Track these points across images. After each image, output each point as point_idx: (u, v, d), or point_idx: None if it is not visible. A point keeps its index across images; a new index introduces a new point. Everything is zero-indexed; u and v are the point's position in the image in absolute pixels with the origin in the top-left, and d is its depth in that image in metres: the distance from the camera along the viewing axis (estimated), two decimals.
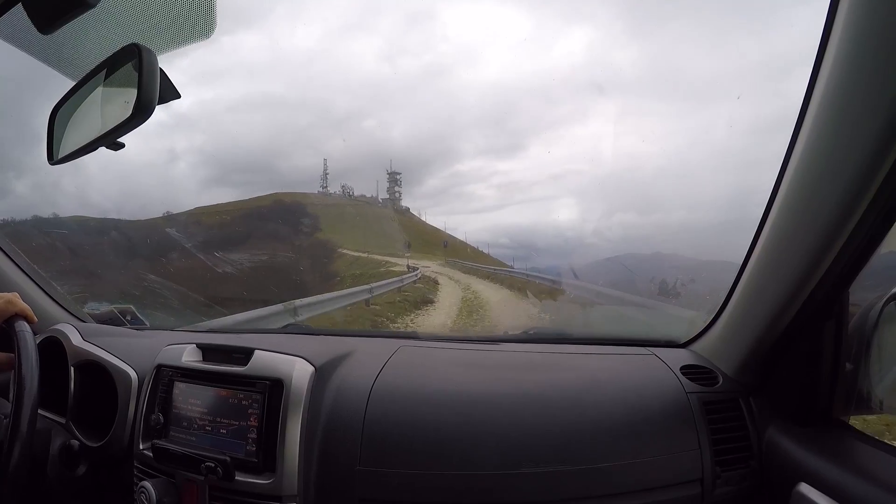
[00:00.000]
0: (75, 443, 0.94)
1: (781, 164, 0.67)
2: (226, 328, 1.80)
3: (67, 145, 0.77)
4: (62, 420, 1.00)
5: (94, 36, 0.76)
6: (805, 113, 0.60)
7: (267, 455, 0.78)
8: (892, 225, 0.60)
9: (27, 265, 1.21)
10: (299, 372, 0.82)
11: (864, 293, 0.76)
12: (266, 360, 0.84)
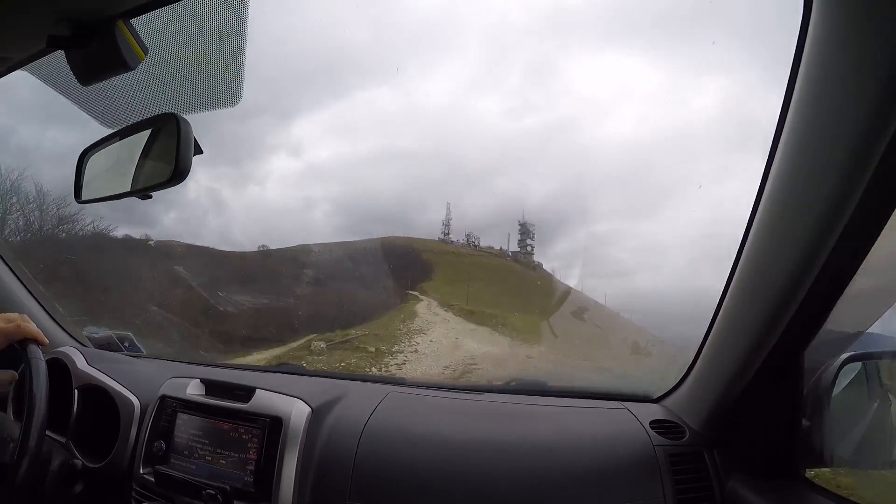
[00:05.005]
0: (78, 462, 0.98)
1: (742, 237, 0.72)
2: (223, 363, 1.83)
3: (96, 190, 0.83)
4: (62, 439, 1.03)
5: (128, 92, 0.83)
6: (765, 182, 0.64)
7: (263, 485, 0.84)
8: (838, 297, 0.67)
9: (33, 285, 1.25)
10: (298, 411, 0.88)
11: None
12: (267, 398, 0.90)
